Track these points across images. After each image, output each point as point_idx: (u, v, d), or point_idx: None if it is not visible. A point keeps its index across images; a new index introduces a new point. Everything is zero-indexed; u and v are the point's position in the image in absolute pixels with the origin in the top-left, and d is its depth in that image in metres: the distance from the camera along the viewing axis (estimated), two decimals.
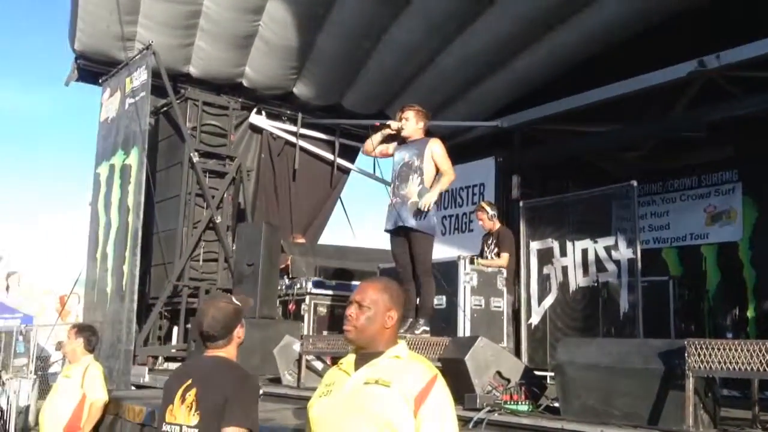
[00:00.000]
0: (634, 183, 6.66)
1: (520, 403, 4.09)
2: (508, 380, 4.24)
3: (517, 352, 6.74)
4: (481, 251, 7.00)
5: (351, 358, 2.33)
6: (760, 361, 3.26)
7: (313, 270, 8.26)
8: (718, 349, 3.38)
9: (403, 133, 5.55)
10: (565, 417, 3.82)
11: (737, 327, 8.87)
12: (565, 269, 6.99)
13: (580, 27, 8.08)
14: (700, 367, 3.40)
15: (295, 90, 9.71)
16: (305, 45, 8.75)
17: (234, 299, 2.95)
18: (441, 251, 9.87)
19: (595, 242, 6.77)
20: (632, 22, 7.93)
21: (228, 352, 2.83)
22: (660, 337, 6.34)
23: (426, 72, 9.20)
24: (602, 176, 9.42)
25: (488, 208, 6.99)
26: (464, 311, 6.04)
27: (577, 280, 6.90)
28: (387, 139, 5.65)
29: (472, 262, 6.33)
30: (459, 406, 3.81)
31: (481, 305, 6.19)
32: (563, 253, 7.01)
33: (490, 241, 6.93)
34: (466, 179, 9.72)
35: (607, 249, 6.68)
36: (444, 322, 6.10)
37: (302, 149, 10.34)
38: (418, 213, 5.28)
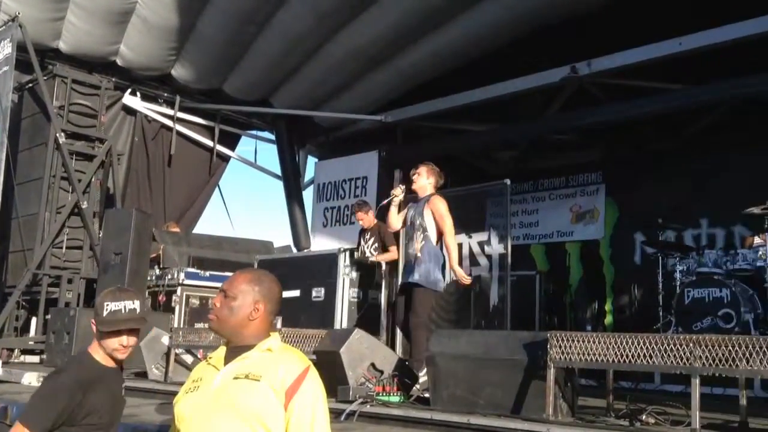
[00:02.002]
0: (508, 181, 6.92)
1: (391, 394, 4.15)
2: (382, 372, 4.30)
3: (393, 345, 6.83)
4: (357, 245, 7.03)
5: (221, 351, 2.25)
6: (615, 352, 3.48)
7: (186, 260, 7.99)
8: (578, 341, 3.58)
9: (414, 186, 5.52)
10: (435, 407, 3.91)
11: (596, 320, 9.45)
12: None
13: (464, 28, 8.27)
14: (560, 358, 3.58)
15: (173, 72, 9.34)
16: (185, 26, 8.42)
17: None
18: (321, 243, 9.89)
19: (470, 237, 6.98)
20: (514, 27, 8.20)
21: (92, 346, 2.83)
22: (526, 329, 6.65)
23: (312, 61, 9.11)
24: (479, 174, 9.74)
25: (365, 207, 7.06)
26: (342, 304, 6.06)
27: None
28: (401, 205, 5.64)
29: (352, 255, 6.36)
30: (333, 398, 3.80)
31: (359, 298, 6.23)
32: None
33: (368, 236, 6.96)
34: (349, 172, 9.77)
35: (481, 244, 6.91)
36: (322, 314, 6.08)
37: (179, 134, 9.97)
38: (423, 268, 5.32)
